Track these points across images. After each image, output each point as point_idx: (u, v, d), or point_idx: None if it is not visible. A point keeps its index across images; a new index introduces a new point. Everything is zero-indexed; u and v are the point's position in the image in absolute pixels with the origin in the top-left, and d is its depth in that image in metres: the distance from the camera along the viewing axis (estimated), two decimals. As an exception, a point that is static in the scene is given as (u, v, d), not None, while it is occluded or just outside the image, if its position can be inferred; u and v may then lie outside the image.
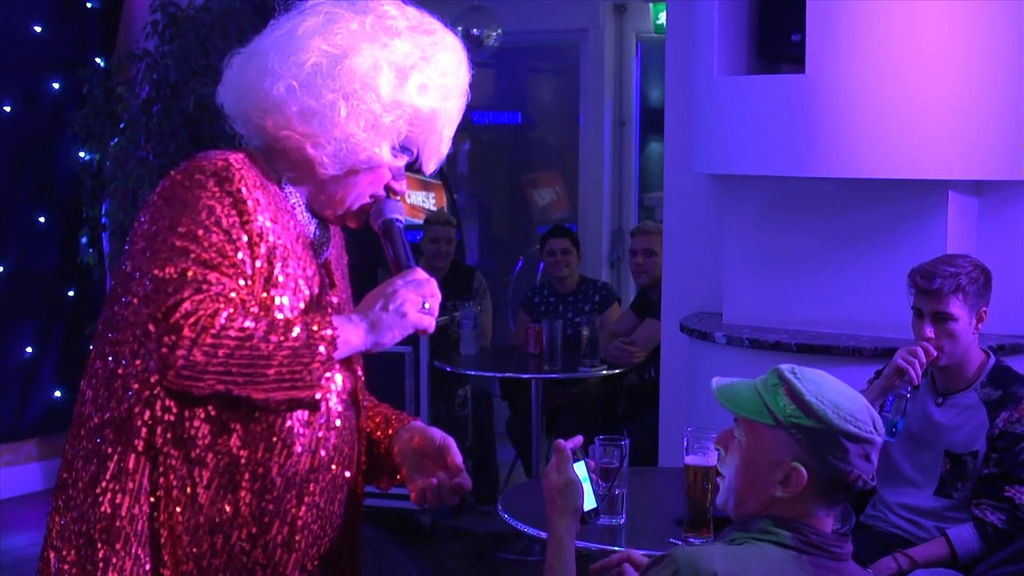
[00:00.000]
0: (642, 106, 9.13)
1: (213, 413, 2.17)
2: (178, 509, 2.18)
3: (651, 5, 8.75)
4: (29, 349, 6.87)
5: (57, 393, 6.94)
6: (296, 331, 2.11)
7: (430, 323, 2.25)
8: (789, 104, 4.58)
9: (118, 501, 2.17)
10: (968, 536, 3.62)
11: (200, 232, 2.13)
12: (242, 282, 2.15)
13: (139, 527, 2.18)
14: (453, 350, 6.41)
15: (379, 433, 2.51)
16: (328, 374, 2.17)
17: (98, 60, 6.98)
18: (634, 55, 9.05)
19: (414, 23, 2.32)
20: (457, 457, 2.43)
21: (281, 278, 2.21)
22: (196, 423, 2.17)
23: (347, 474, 2.36)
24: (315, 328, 2.13)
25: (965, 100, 4.42)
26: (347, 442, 2.35)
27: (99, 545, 2.17)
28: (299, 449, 2.23)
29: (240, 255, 2.15)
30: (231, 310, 2.08)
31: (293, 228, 2.27)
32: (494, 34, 8.27)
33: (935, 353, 3.66)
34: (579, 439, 2.53)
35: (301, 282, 2.25)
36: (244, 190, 2.18)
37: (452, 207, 8.62)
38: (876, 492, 3.92)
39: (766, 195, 4.96)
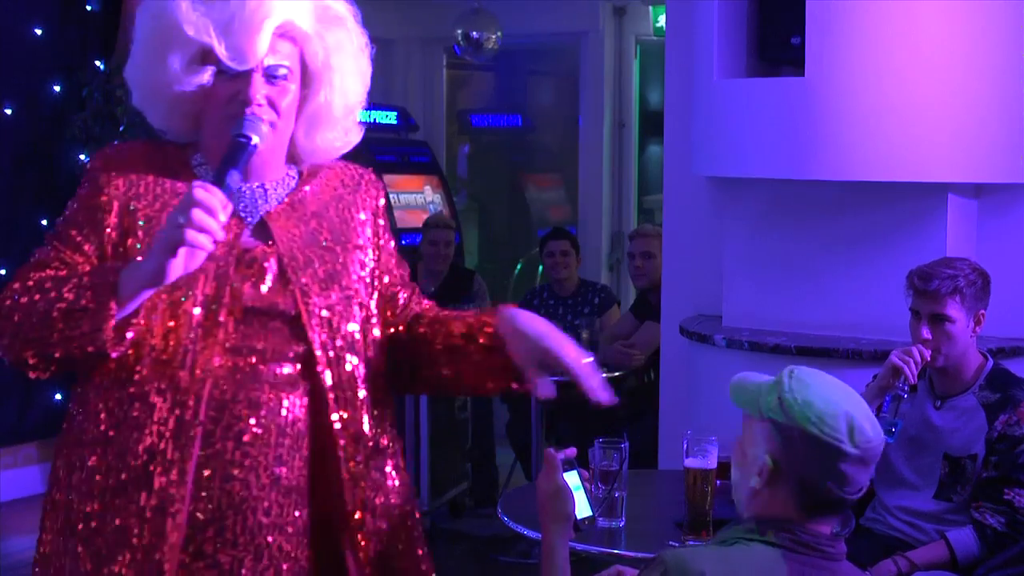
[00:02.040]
0: (641, 109, 9.15)
1: (83, 396, 2.25)
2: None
3: (651, 8, 8.76)
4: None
5: (58, 396, 6.93)
6: (71, 285, 2.14)
7: (193, 238, 2.03)
8: (789, 107, 4.58)
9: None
10: (968, 539, 3.61)
11: (60, 221, 2.32)
12: (79, 257, 2.24)
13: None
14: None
15: (462, 342, 2.39)
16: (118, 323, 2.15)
17: (98, 63, 6.98)
18: (634, 58, 9.06)
19: None
20: (567, 358, 2.29)
21: (140, 246, 2.23)
22: (74, 408, 2.28)
23: (241, 452, 2.23)
24: (89, 279, 2.15)
25: (964, 103, 4.42)
26: (241, 416, 2.23)
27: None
28: (153, 423, 2.19)
29: (87, 235, 2.26)
30: (26, 275, 2.20)
31: None
32: (494, 37, 8.29)
33: (929, 355, 3.66)
34: (573, 450, 2.47)
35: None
36: (102, 174, 2.31)
37: (451, 209, 8.62)
38: (875, 495, 3.92)
39: (766, 198, 4.96)
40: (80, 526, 2.20)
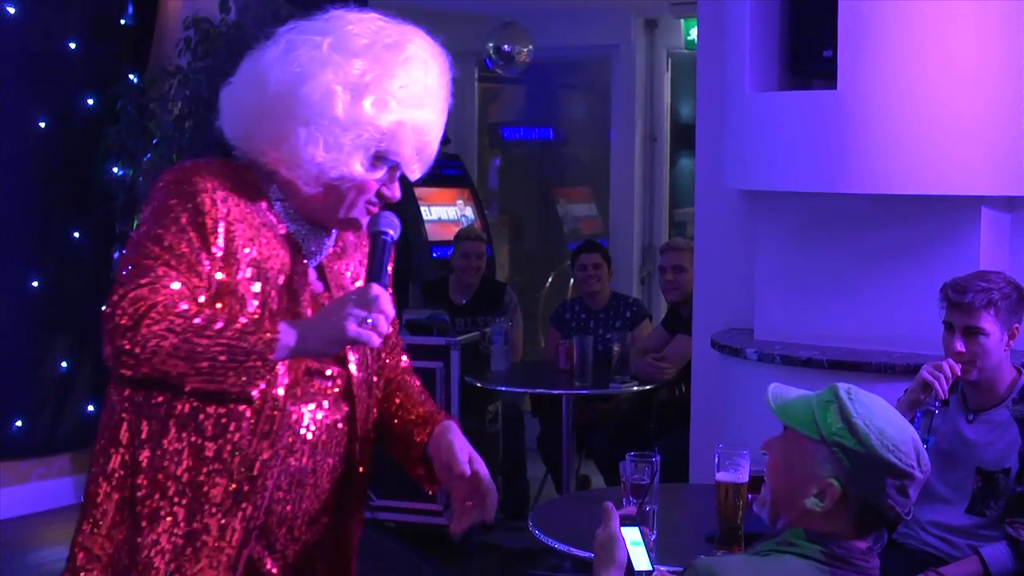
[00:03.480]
0: (673, 122, 9.14)
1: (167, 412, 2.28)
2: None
3: (682, 21, 8.75)
4: (63, 364, 6.90)
5: (90, 408, 6.97)
6: (236, 328, 2.19)
7: (369, 337, 2.24)
8: (821, 120, 4.57)
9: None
10: (1001, 554, 3.59)
11: (160, 232, 2.25)
12: (196, 280, 2.25)
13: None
14: (484, 366, 6.41)
15: (418, 437, 2.54)
16: (266, 374, 2.22)
17: (131, 76, 7.02)
18: (665, 71, 9.06)
19: (375, 37, 2.34)
20: (487, 498, 2.44)
21: (249, 274, 2.30)
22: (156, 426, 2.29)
23: (325, 463, 2.41)
24: (255, 328, 2.20)
25: (998, 116, 4.40)
26: (320, 438, 2.40)
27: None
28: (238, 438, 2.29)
29: (198, 254, 2.25)
30: (170, 302, 2.18)
31: (272, 231, 2.36)
32: (525, 50, 8.29)
33: (960, 370, 3.64)
34: (632, 508, 2.54)
35: (271, 281, 2.33)
36: (207, 199, 2.28)
37: (482, 222, 8.63)
38: (908, 510, 3.90)
39: (797, 211, 4.94)
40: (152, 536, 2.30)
